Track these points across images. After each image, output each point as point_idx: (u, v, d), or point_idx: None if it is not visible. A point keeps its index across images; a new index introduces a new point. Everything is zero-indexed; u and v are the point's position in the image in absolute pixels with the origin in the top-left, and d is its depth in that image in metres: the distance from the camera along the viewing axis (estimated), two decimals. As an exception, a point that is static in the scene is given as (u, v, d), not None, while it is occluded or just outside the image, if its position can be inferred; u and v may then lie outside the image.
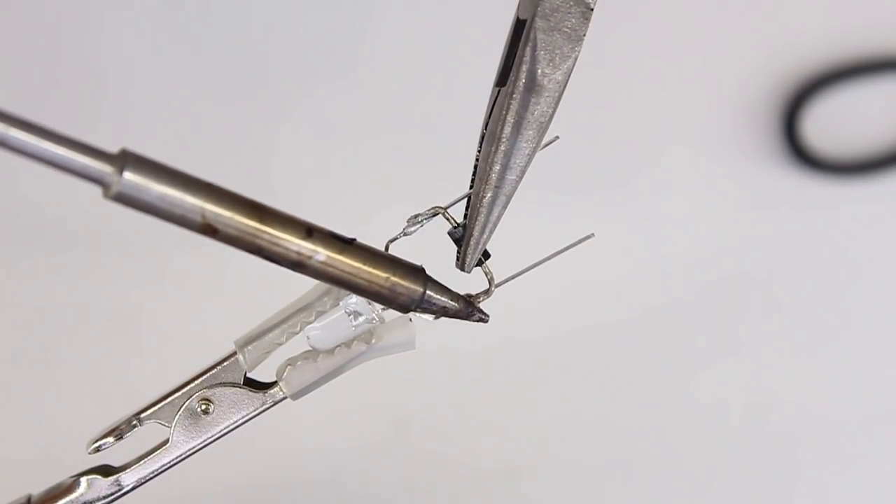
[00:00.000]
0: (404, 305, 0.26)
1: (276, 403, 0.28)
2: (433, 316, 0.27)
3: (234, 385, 0.28)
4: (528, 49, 0.24)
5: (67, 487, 0.28)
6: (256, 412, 0.28)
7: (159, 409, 0.28)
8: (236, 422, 0.28)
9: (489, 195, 0.26)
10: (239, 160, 0.54)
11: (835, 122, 0.55)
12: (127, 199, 0.21)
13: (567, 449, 0.55)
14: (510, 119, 0.25)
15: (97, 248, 0.53)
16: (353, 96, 0.54)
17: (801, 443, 0.56)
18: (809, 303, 0.56)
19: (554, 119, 0.25)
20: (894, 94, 0.55)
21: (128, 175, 0.21)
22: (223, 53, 0.53)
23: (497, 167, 0.26)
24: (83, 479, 0.28)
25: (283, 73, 0.54)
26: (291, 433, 0.51)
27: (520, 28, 0.25)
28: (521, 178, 0.26)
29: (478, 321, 0.28)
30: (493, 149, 0.25)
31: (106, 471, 0.28)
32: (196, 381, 0.28)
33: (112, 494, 0.28)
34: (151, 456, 0.28)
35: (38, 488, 0.28)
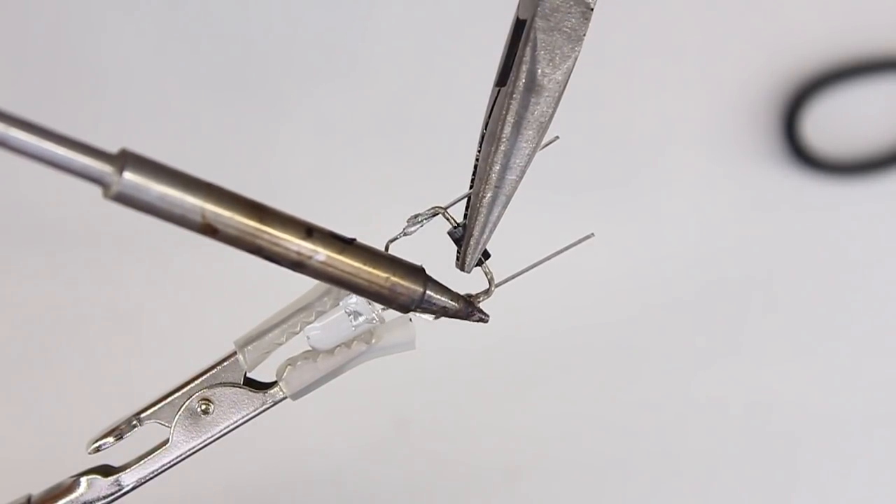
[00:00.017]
0: (404, 305, 0.26)
1: (276, 403, 0.28)
2: (433, 316, 0.27)
3: (234, 385, 0.28)
4: (528, 49, 0.24)
5: (67, 487, 0.28)
6: (256, 412, 0.28)
7: (159, 409, 0.28)
8: (236, 422, 0.28)
9: (489, 195, 0.26)
10: (239, 160, 0.54)
11: (835, 122, 0.55)
12: (127, 199, 0.21)
13: (567, 449, 0.55)
14: (510, 119, 0.25)
15: (97, 248, 0.53)
16: (353, 96, 0.54)
17: (801, 443, 0.56)
18: (809, 303, 0.56)
19: (554, 119, 0.25)
20: (894, 94, 0.55)
21: (128, 175, 0.21)
22: (223, 53, 0.53)
23: (497, 167, 0.26)
24: (83, 479, 0.28)
25: (283, 73, 0.54)
26: (291, 433, 0.51)
27: (520, 28, 0.25)
28: (521, 178, 0.26)
29: (478, 321, 0.28)
30: (493, 149, 0.25)
31: (106, 471, 0.28)
32: (196, 381, 0.28)
33: (112, 494, 0.28)
34: (151, 456, 0.28)
35: (38, 488, 0.28)
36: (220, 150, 0.53)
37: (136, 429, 0.28)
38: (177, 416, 0.28)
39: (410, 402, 0.54)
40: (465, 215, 0.27)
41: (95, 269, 0.53)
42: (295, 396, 0.28)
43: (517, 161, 0.26)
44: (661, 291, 0.55)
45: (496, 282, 0.28)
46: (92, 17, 0.52)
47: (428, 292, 0.26)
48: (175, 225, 0.22)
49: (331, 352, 0.28)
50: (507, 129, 0.25)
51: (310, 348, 0.28)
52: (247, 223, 0.23)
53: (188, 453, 0.28)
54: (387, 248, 0.27)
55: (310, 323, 0.28)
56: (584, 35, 0.24)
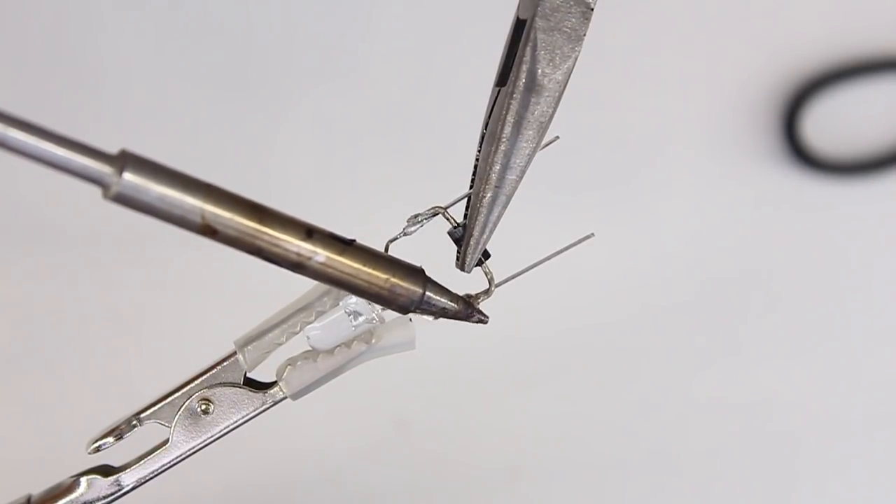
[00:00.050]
0: (404, 306, 0.26)
1: (276, 403, 0.28)
2: (433, 317, 0.27)
3: (234, 385, 0.28)
4: (528, 49, 0.24)
5: (67, 487, 0.28)
6: (256, 412, 0.28)
7: (159, 409, 0.28)
8: (236, 422, 0.28)
9: (489, 195, 0.26)
10: (238, 160, 0.54)
11: (835, 122, 0.55)
12: (126, 200, 0.21)
13: (567, 449, 0.55)
14: (510, 119, 0.25)
15: (97, 248, 0.53)
16: (353, 96, 0.54)
17: (801, 443, 0.56)
18: (809, 303, 0.56)
19: (554, 119, 0.25)
20: (894, 94, 0.55)
21: (127, 176, 0.21)
22: (223, 53, 0.53)
23: (497, 167, 0.26)
24: (83, 479, 0.28)
25: (282, 73, 0.54)
26: (291, 433, 0.51)
27: (520, 28, 0.25)
28: (521, 177, 0.26)
29: (477, 322, 0.28)
30: (493, 149, 0.25)
31: (106, 471, 0.28)
32: (196, 381, 0.28)
33: (112, 494, 0.28)
34: (151, 456, 0.28)
35: (38, 488, 0.28)
36: (220, 149, 0.53)
37: (136, 429, 0.28)
38: (177, 416, 0.28)
39: (410, 402, 0.54)
40: (466, 215, 0.27)
41: (95, 269, 0.53)
42: (295, 396, 0.28)
43: (517, 161, 0.25)
44: (660, 291, 0.55)
45: (496, 282, 0.28)
46: (91, 17, 0.52)
47: (427, 293, 0.26)
48: (175, 226, 0.22)
49: (331, 352, 0.28)
50: (508, 129, 0.25)
51: (310, 348, 0.28)
52: (246, 224, 0.23)
53: (188, 453, 0.28)
54: (387, 248, 0.27)
55: (310, 323, 0.28)
56: (585, 35, 0.24)
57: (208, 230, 0.22)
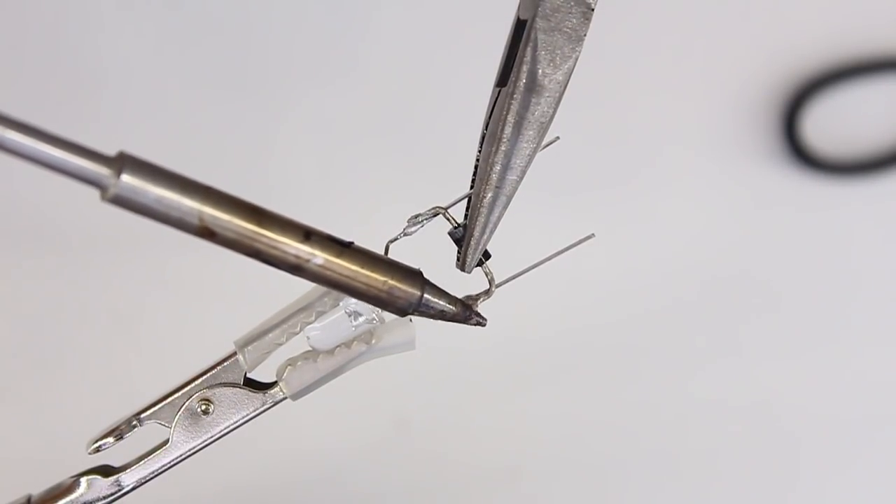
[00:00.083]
0: (402, 309, 0.26)
1: (276, 404, 0.28)
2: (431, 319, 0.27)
3: (234, 385, 0.28)
4: (528, 49, 0.24)
5: (67, 487, 0.28)
6: (256, 412, 0.28)
7: (159, 409, 0.28)
8: (236, 422, 0.28)
9: (490, 195, 0.26)
10: (238, 160, 0.54)
11: (835, 122, 0.55)
12: (124, 202, 0.21)
13: (567, 449, 0.55)
14: (511, 119, 0.25)
15: (97, 248, 0.53)
16: (353, 96, 0.54)
17: (802, 443, 0.56)
18: (810, 303, 0.56)
19: (554, 119, 0.25)
20: (894, 94, 0.55)
21: (125, 178, 0.21)
22: (223, 53, 0.53)
23: (497, 167, 0.26)
24: (83, 479, 0.28)
25: (282, 73, 0.54)
26: (291, 433, 0.51)
27: (520, 28, 0.25)
28: (521, 178, 0.26)
29: (475, 325, 0.28)
30: (493, 149, 0.25)
31: (106, 471, 0.28)
32: (196, 382, 0.28)
33: (112, 494, 0.28)
34: (151, 456, 0.28)
35: (38, 488, 0.28)
36: (220, 150, 0.53)
37: (136, 429, 0.28)
38: (177, 417, 0.28)
39: (410, 402, 0.54)
40: (466, 216, 0.27)
41: (95, 269, 0.53)
42: (295, 397, 0.28)
43: (518, 161, 0.25)
44: (661, 291, 0.55)
45: (496, 282, 0.28)
46: (90, 17, 0.52)
47: (426, 296, 0.26)
48: (173, 228, 0.22)
49: (331, 352, 0.28)
50: (508, 130, 0.25)
51: (310, 348, 0.28)
52: (245, 226, 0.23)
53: (188, 453, 0.28)
54: (387, 249, 0.27)
55: (310, 323, 0.28)
56: (585, 35, 0.24)
57: (206, 232, 0.22)
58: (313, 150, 0.54)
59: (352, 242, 0.25)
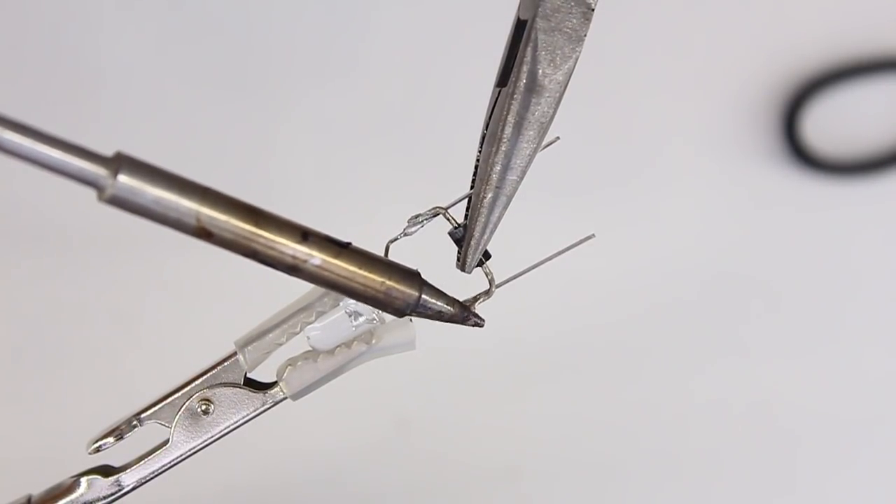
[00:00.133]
0: (400, 310, 0.26)
1: (276, 404, 0.28)
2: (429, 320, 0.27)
3: (234, 385, 0.28)
4: (528, 49, 0.24)
5: (67, 487, 0.28)
6: (256, 412, 0.28)
7: (159, 409, 0.28)
8: (236, 422, 0.28)
9: (490, 195, 0.26)
10: (238, 160, 0.54)
11: (835, 122, 0.55)
12: (121, 203, 0.21)
13: (567, 449, 0.55)
14: (511, 119, 0.25)
15: (97, 248, 0.53)
16: (353, 96, 0.54)
17: (802, 442, 0.56)
18: (810, 303, 0.56)
19: (555, 119, 0.25)
20: (894, 94, 0.55)
21: (122, 178, 0.21)
22: (223, 53, 0.53)
23: (498, 168, 0.26)
24: (83, 479, 0.28)
25: (282, 72, 0.54)
26: (291, 434, 0.51)
27: (520, 28, 0.25)
28: (521, 178, 0.26)
29: (473, 326, 0.28)
30: (493, 149, 0.25)
31: (106, 471, 0.28)
32: (196, 382, 0.28)
33: (112, 494, 0.28)
34: (151, 456, 0.28)
35: (38, 488, 0.28)
36: (219, 150, 0.53)
37: (136, 429, 0.28)
38: (177, 417, 0.28)
39: (410, 402, 0.54)
40: (466, 216, 0.27)
41: (95, 269, 0.53)
42: (295, 397, 0.28)
43: (518, 162, 0.25)
44: (661, 291, 0.55)
45: (497, 282, 0.28)
46: (90, 17, 0.52)
47: (423, 297, 0.26)
48: (170, 228, 0.22)
49: (331, 352, 0.28)
50: (508, 130, 0.25)
51: (310, 348, 0.28)
52: (242, 227, 0.23)
53: (188, 453, 0.28)
54: (387, 249, 0.27)
55: (310, 323, 0.28)
56: (585, 35, 0.24)
57: (204, 233, 0.22)
58: (313, 150, 0.54)
59: (349, 243, 0.25)
